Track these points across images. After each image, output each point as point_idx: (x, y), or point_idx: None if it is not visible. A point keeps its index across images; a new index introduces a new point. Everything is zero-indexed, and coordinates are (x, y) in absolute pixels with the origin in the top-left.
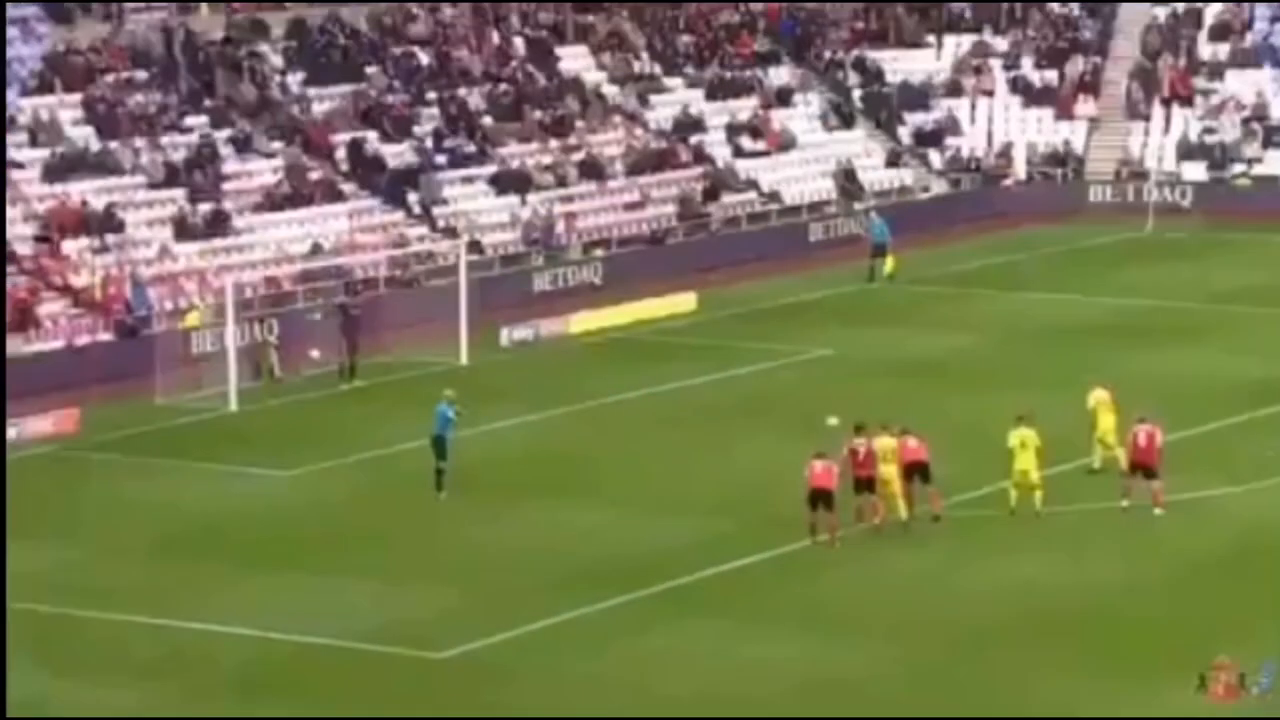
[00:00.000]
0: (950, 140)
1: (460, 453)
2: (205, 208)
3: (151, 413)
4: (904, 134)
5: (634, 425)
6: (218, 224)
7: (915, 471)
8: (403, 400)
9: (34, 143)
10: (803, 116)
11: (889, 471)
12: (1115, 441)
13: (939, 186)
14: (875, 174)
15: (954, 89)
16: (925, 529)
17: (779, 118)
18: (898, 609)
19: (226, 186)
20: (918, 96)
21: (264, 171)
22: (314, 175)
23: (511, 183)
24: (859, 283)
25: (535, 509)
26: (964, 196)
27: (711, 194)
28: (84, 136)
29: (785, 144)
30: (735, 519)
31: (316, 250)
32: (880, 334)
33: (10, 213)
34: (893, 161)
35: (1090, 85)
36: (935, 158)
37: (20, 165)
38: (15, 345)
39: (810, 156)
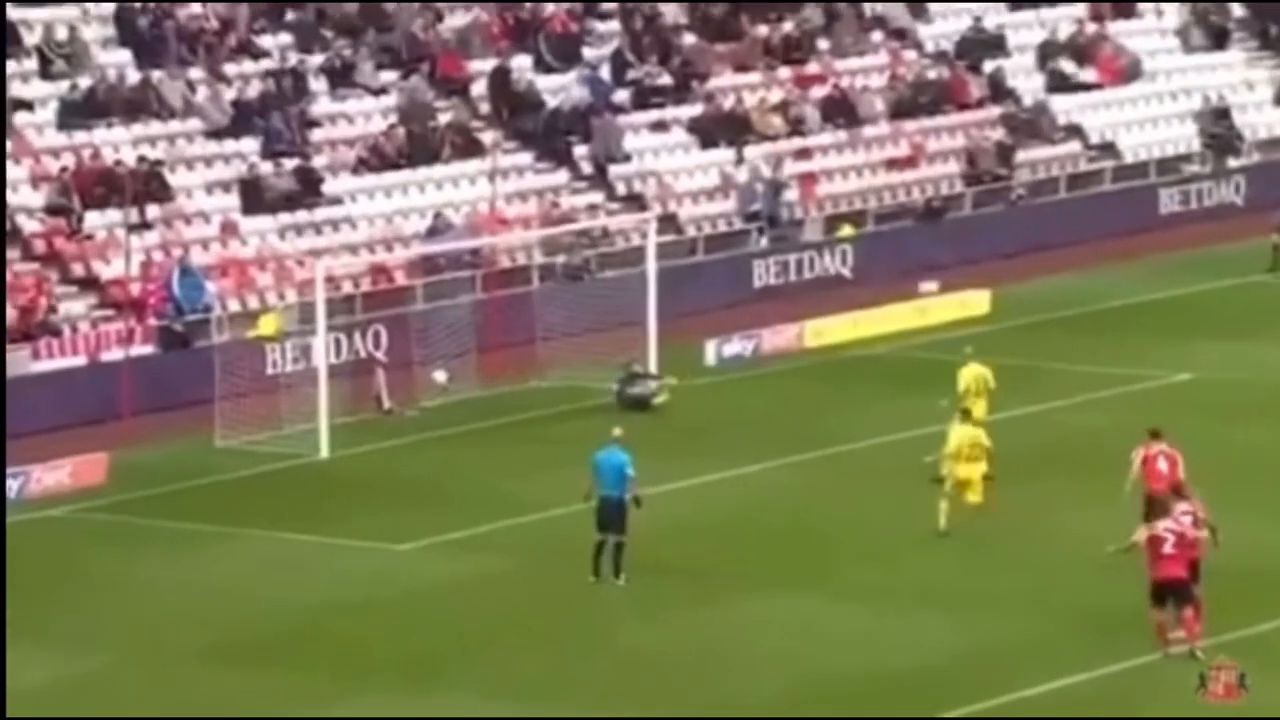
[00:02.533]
0: None
1: (642, 521)
2: (286, 166)
3: (209, 459)
4: None
5: (893, 482)
6: (304, 190)
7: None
8: (561, 443)
9: (46, 73)
10: (1153, 32)
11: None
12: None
13: None
14: (1262, 115)
15: None
16: None
17: (1117, 34)
18: None
19: (316, 136)
20: None
21: (370, 114)
22: (441, 120)
23: (723, 130)
24: (1247, 274)
25: (751, 601)
26: None
27: (1014, 146)
28: (117, 64)
29: (1126, 73)
30: (1043, 619)
31: (442, 227)
32: (1274, 352)
33: (11, 173)
34: None
35: None
36: None
37: (27, 105)
38: (20, 362)
39: (1163, 90)
